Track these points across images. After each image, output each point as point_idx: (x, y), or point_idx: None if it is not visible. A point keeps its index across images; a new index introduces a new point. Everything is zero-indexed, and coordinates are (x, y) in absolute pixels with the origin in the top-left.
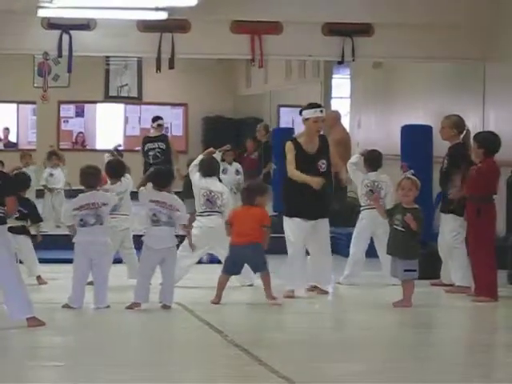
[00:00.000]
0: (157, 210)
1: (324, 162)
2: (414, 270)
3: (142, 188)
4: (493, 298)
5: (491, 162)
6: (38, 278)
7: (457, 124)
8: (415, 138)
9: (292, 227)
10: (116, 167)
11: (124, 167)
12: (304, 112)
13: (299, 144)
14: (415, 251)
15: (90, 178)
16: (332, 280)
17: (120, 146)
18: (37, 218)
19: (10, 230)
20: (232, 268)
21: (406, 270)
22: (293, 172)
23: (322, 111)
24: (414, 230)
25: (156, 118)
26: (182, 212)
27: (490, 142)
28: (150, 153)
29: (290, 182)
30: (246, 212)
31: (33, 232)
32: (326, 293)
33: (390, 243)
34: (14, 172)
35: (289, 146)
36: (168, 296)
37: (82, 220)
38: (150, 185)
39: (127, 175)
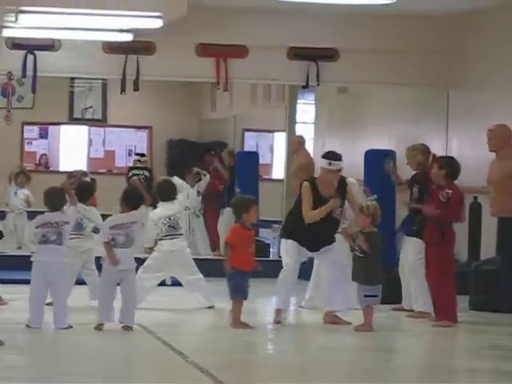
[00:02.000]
0: (114, 234)
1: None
2: (375, 296)
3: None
4: (453, 322)
5: (457, 187)
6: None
7: (424, 151)
8: (379, 163)
9: (288, 248)
10: (86, 189)
11: (92, 190)
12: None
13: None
14: (374, 276)
15: (55, 199)
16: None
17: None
18: None
19: None
20: (239, 292)
21: (366, 296)
22: (310, 215)
23: (330, 164)
24: (366, 251)
25: (143, 155)
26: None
27: (452, 165)
28: (134, 177)
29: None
30: (244, 236)
31: None
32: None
33: (353, 269)
34: None
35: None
36: (129, 317)
37: (44, 236)
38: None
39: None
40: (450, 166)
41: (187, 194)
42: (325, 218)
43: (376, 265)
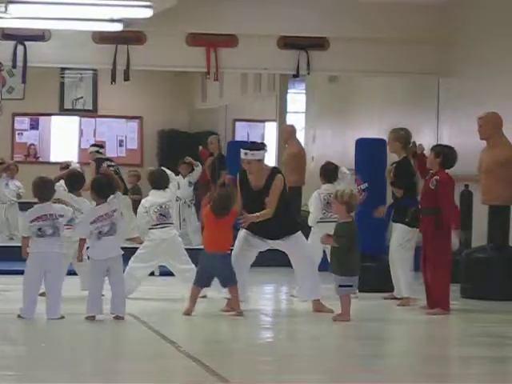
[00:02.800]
0: (98, 227)
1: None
2: (350, 286)
3: None
4: (446, 310)
5: (446, 173)
6: None
7: (403, 138)
8: (369, 152)
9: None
10: (77, 179)
11: (83, 180)
12: None
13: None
14: (348, 266)
15: (44, 190)
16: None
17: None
18: None
19: None
20: (202, 280)
21: (340, 286)
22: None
23: (245, 154)
24: (335, 245)
25: (101, 146)
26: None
27: (448, 154)
28: (110, 168)
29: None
30: (217, 220)
31: None
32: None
33: (330, 260)
34: None
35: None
36: (120, 307)
37: (40, 229)
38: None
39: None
40: (447, 154)
41: (177, 184)
42: (255, 207)
43: (351, 255)
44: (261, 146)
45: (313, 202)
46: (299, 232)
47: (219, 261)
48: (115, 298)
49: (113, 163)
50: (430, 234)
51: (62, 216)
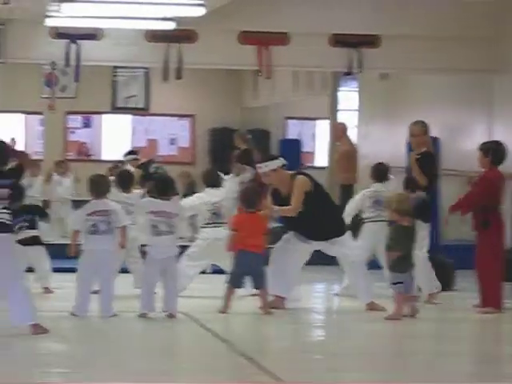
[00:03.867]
0: (156, 221)
1: None
2: (401, 283)
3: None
4: (497, 309)
5: (496, 170)
6: (46, 287)
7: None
8: None
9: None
10: (126, 177)
11: (133, 178)
12: None
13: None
14: (400, 264)
15: (100, 186)
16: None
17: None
18: (43, 214)
19: (21, 242)
20: (238, 280)
21: (392, 283)
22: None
23: (260, 168)
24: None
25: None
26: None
27: (496, 150)
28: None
29: None
30: (250, 219)
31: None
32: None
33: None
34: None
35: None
36: (173, 305)
37: (93, 225)
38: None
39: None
40: (493, 150)
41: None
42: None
43: (402, 255)
44: (273, 157)
45: (352, 202)
46: (346, 234)
47: (255, 261)
48: (168, 296)
49: (157, 165)
50: (480, 233)
51: (115, 213)
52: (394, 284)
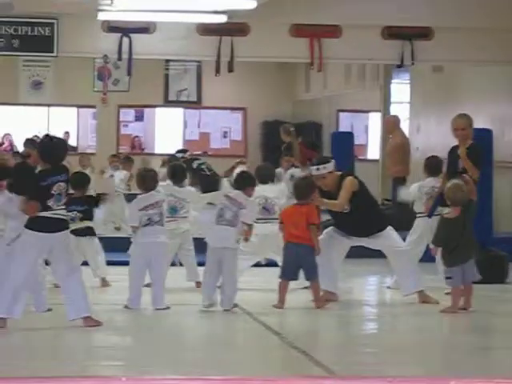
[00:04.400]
0: (225, 206)
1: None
2: (450, 277)
3: None
4: None
5: None
6: (103, 280)
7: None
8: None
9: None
10: (178, 171)
11: (185, 172)
12: None
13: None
14: (447, 258)
15: (149, 180)
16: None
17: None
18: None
19: (74, 232)
20: (288, 272)
21: (446, 278)
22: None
23: (318, 169)
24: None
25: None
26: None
27: None
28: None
29: None
30: (296, 211)
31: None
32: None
33: None
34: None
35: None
36: (229, 299)
37: (149, 218)
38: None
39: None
40: None
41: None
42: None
43: (450, 248)
44: (329, 159)
45: (411, 192)
46: (387, 229)
47: (303, 252)
48: (224, 289)
49: (202, 161)
50: None
51: (163, 201)
52: (447, 278)
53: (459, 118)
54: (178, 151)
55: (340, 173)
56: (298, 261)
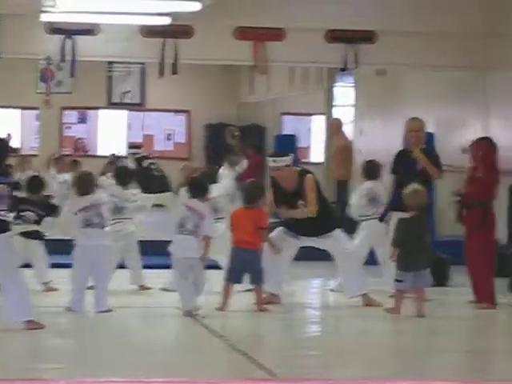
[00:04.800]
0: (186, 216)
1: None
2: (401, 281)
3: None
4: (492, 304)
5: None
6: (46, 284)
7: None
8: None
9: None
10: (122, 172)
11: (131, 174)
12: None
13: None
14: (401, 261)
15: (84, 185)
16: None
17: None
18: (55, 209)
19: (24, 234)
20: (234, 276)
21: (396, 280)
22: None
23: (274, 161)
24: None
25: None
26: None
27: (490, 147)
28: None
29: None
30: (244, 215)
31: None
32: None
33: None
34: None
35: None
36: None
37: (86, 220)
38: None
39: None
40: (489, 148)
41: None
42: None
43: (405, 251)
44: (288, 154)
45: (354, 197)
46: (338, 230)
47: (250, 257)
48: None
49: (152, 161)
50: (477, 227)
51: (104, 203)
52: (397, 281)
53: (413, 120)
54: (131, 147)
55: (299, 168)
56: (244, 266)
